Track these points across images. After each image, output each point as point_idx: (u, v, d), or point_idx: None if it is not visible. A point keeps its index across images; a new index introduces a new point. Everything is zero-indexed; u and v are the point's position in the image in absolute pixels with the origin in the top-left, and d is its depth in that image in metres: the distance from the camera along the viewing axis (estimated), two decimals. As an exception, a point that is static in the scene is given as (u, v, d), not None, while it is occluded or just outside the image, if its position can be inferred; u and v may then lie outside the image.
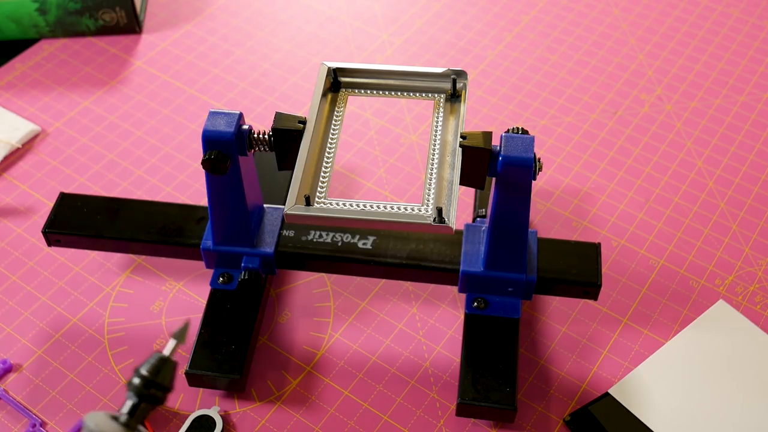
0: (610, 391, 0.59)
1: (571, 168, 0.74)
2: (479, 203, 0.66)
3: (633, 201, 0.72)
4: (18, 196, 0.73)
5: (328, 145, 0.54)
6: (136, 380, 0.36)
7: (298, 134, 0.53)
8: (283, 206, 0.62)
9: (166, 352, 0.38)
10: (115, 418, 0.37)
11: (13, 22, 0.84)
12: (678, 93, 0.81)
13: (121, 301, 0.65)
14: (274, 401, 0.59)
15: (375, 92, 0.57)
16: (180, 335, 0.39)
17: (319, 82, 0.56)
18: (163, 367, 0.37)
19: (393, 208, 0.50)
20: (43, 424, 0.58)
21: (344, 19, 0.90)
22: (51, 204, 0.71)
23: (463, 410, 0.55)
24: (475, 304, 0.59)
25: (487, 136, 0.52)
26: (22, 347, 0.62)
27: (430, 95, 0.57)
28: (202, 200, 0.71)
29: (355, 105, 0.80)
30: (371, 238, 0.60)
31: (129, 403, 0.36)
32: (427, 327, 0.63)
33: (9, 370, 0.61)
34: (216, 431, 0.56)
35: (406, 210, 0.50)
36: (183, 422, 0.57)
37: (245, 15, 0.90)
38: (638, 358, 0.61)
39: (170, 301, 0.65)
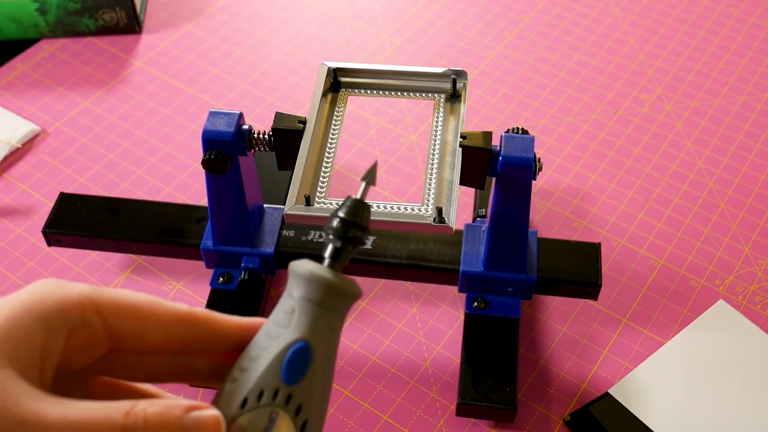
0: (610, 391, 0.59)
1: (571, 168, 0.74)
2: (479, 203, 0.66)
3: (633, 201, 0.72)
4: (18, 196, 0.73)
5: (328, 145, 0.54)
6: (336, 223, 0.35)
7: (298, 134, 0.53)
8: (283, 206, 0.62)
9: (359, 195, 0.36)
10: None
11: (13, 22, 0.84)
12: (678, 93, 0.81)
13: (121, 301, 0.65)
14: (274, 401, 0.59)
15: (375, 92, 0.57)
16: (370, 177, 0.37)
17: (319, 82, 0.56)
18: (360, 208, 0.35)
19: (393, 208, 0.50)
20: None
21: (344, 19, 0.90)
22: (51, 204, 0.71)
23: (463, 410, 0.55)
24: (475, 304, 0.59)
25: (487, 136, 0.52)
26: (22, 347, 0.62)
27: (430, 95, 0.57)
28: (202, 200, 0.71)
29: (355, 105, 0.80)
30: (371, 238, 0.60)
31: (330, 247, 0.35)
32: (427, 327, 0.63)
33: (9, 370, 0.60)
34: (216, 431, 0.56)
35: (406, 210, 0.50)
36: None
37: (245, 15, 0.90)
38: (638, 358, 0.61)
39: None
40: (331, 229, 0.35)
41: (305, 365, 0.34)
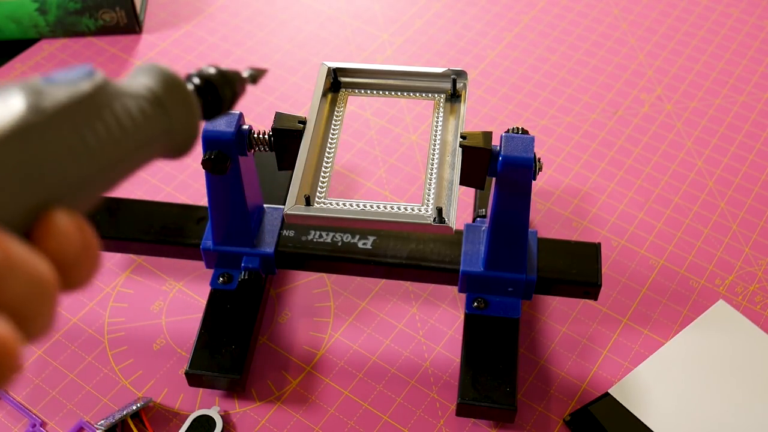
0: (610, 391, 0.59)
1: (571, 168, 0.74)
2: (479, 203, 0.66)
3: (633, 201, 0.72)
4: (18, 196, 0.72)
5: (328, 145, 0.54)
6: (210, 69, 0.33)
7: (298, 134, 0.53)
8: (283, 206, 0.62)
9: (245, 74, 0.36)
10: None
11: (13, 22, 0.84)
12: (678, 93, 0.81)
13: (121, 301, 0.65)
14: (274, 401, 0.59)
15: (375, 92, 0.57)
16: (255, 74, 0.37)
17: (319, 82, 0.56)
18: (236, 79, 0.35)
19: (393, 208, 0.50)
20: (43, 424, 0.58)
21: (344, 19, 0.90)
22: (51, 204, 0.71)
23: (463, 410, 0.55)
24: (475, 304, 0.59)
25: (487, 136, 0.52)
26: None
27: (430, 95, 0.57)
28: (202, 200, 0.71)
29: (355, 105, 0.80)
30: (371, 238, 0.60)
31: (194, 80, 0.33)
32: (427, 327, 0.63)
33: (9, 370, 0.60)
34: (216, 431, 0.56)
35: (406, 210, 0.50)
36: (183, 422, 0.57)
37: (245, 15, 0.90)
38: (638, 358, 0.61)
39: (170, 301, 0.65)
40: (198, 71, 0.34)
41: (77, 81, 0.27)
